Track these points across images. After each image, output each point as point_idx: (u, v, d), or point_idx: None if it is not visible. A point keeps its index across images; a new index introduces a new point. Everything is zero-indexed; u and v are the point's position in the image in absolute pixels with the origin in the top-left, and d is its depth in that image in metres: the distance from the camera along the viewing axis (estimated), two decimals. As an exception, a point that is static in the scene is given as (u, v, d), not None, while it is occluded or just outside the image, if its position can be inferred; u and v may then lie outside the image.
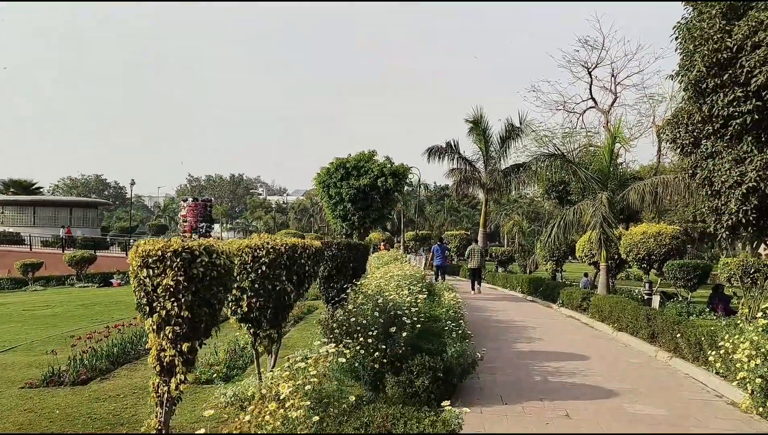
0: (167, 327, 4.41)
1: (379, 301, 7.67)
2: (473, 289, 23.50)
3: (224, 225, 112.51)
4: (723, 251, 46.65)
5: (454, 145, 35.01)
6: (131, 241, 50.92)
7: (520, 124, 33.85)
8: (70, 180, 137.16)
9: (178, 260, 4.36)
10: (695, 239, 37.01)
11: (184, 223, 23.66)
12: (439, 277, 24.17)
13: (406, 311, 7.95)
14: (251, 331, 7.32)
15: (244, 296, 7.02)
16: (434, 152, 34.92)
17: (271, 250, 6.95)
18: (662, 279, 25.31)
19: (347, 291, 9.38)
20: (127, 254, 20.03)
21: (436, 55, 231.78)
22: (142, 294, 4.47)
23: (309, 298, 17.96)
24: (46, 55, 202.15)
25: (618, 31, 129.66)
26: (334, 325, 7.40)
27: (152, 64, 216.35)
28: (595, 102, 41.69)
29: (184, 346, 4.44)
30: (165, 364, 4.47)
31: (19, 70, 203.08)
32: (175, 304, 4.36)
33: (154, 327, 4.46)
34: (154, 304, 4.43)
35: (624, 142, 22.43)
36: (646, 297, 18.72)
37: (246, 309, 7.07)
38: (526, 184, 34.91)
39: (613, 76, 41.24)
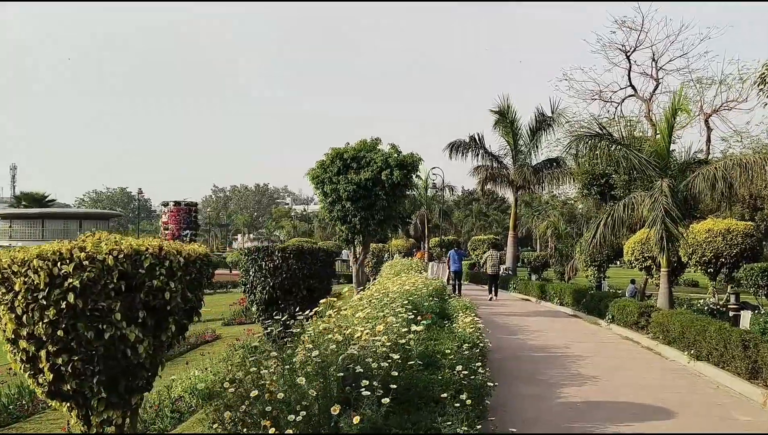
0: None
1: (313, 355, 4.17)
2: (490, 292, 23.18)
3: (246, 235, 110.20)
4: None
5: (479, 139, 31.43)
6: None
7: (552, 112, 30.13)
8: (95, 193, 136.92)
9: None
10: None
11: (166, 232, 20.49)
12: (456, 285, 23.38)
13: (375, 368, 4.46)
14: (75, 413, 3.92)
15: (42, 353, 3.63)
16: (456, 147, 31.34)
17: (86, 263, 3.54)
18: (731, 285, 21.40)
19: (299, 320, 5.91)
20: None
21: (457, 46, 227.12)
22: None
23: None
24: (71, 61, 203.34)
25: (658, 9, 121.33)
26: (233, 398, 3.95)
27: (176, 72, 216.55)
28: (635, 89, 37.49)
29: None
30: None
31: (38, 67, 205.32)
32: None
33: None
34: None
35: (688, 113, 18.61)
36: (731, 313, 14.83)
37: (50, 376, 3.68)
38: (561, 180, 31.11)
39: (654, 60, 36.95)
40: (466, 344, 7.58)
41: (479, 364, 6.64)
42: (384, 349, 4.94)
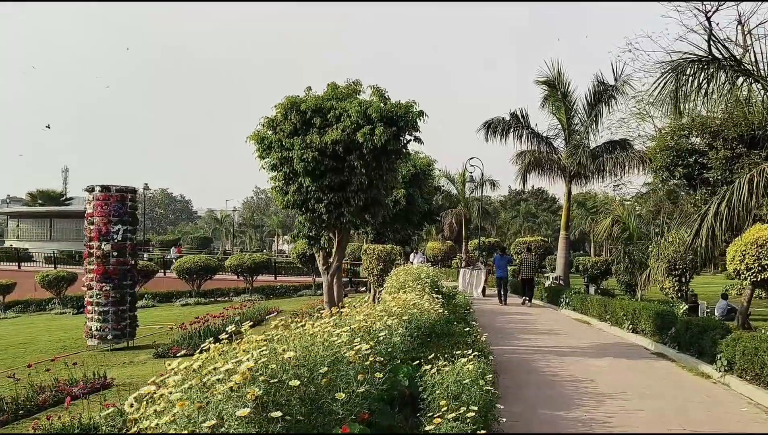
0: None
1: None
2: (524, 303, 22.40)
3: (280, 237, 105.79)
4: None
5: (522, 117, 25.08)
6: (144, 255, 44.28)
7: (616, 80, 23.64)
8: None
9: None
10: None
11: (91, 226, 15.05)
12: (501, 292, 22.78)
13: None
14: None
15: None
16: (494, 127, 25.06)
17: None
18: None
19: None
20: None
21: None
22: None
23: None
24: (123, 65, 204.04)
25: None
26: None
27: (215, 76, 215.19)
28: (717, 59, 30.65)
29: None
30: None
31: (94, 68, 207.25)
32: None
33: None
34: None
35: None
36: None
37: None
38: (627, 166, 24.52)
39: (740, 23, 30.00)
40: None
41: None
42: None
